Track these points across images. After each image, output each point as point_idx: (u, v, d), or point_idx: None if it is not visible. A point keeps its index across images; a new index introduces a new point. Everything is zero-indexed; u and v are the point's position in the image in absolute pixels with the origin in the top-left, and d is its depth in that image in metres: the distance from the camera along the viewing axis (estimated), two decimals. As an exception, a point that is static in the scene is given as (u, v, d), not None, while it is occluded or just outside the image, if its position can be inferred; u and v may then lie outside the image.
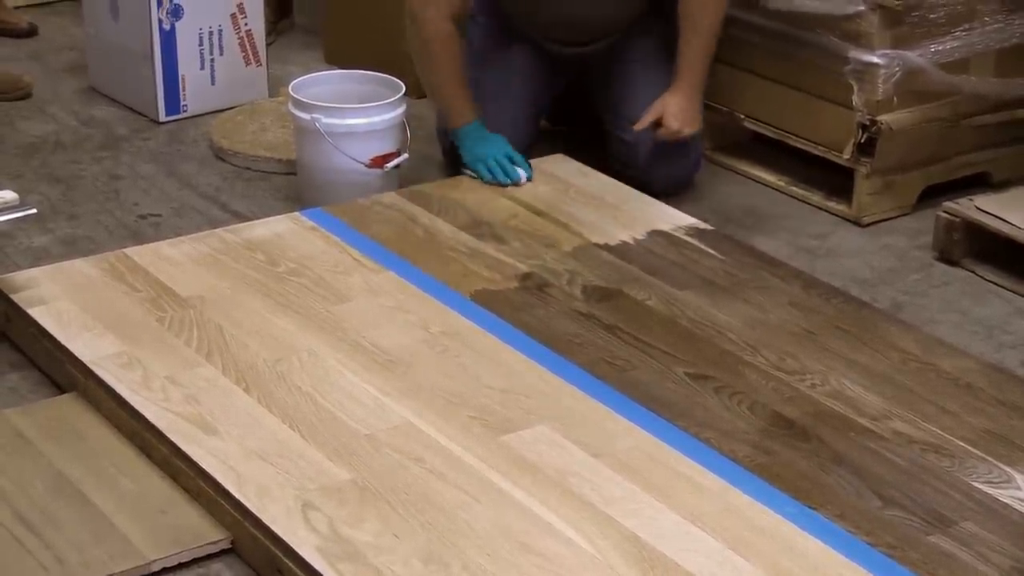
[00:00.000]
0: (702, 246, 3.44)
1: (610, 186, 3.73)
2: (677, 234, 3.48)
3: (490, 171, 3.69)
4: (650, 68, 3.88)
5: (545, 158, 3.81)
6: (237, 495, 2.51)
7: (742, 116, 4.06)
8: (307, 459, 2.61)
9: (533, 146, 3.78)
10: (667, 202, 3.69)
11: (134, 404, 2.75)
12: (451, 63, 3.72)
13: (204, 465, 2.59)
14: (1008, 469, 2.68)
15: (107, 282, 3.17)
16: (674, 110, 3.73)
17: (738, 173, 4.08)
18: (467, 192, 3.64)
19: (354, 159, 3.73)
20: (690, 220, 3.58)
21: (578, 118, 4.17)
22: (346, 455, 2.62)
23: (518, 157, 3.73)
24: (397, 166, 3.82)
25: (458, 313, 3.10)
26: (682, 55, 3.77)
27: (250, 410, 2.75)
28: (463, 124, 3.76)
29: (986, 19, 3.81)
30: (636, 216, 3.56)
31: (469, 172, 3.74)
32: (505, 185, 3.67)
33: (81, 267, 3.24)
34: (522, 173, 3.71)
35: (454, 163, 3.92)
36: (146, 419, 2.71)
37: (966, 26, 3.79)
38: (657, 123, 3.73)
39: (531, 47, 3.85)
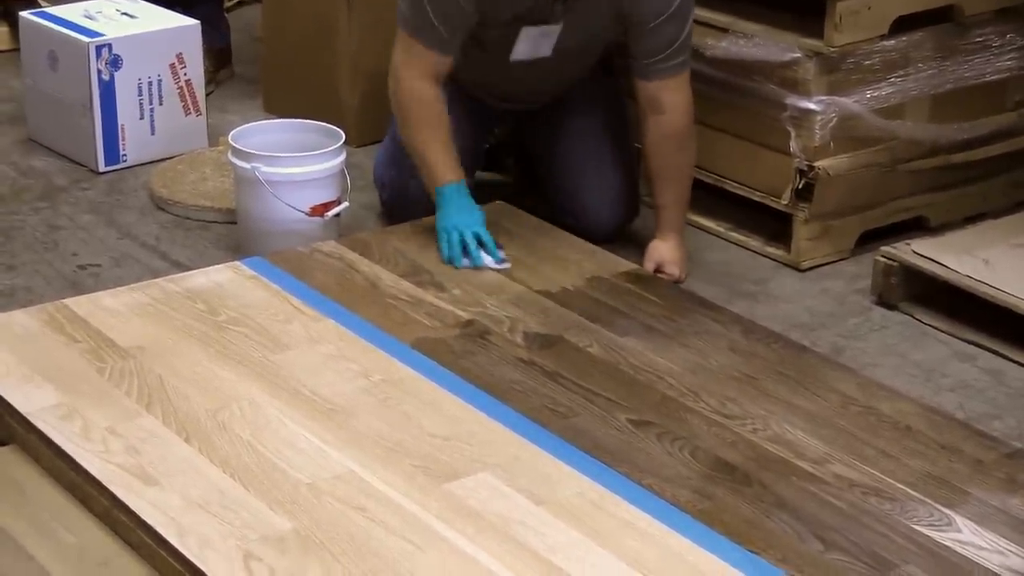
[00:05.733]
0: (642, 292, 3.45)
1: (550, 233, 3.74)
2: (617, 280, 3.49)
3: (448, 247, 3.50)
4: (597, 111, 3.91)
5: (484, 206, 3.82)
6: (178, 546, 2.49)
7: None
8: (248, 509, 2.60)
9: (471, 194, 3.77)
10: (607, 248, 3.70)
11: (74, 456, 2.73)
12: (431, 124, 3.59)
13: (145, 516, 2.56)
14: (948, 511, 2.69)
15: (46, 333, 3.15)
16: (669, 258, 3.72)
17: (677, 219, 4.10)
18: (407, 240, 3.64)
19: (294, 208, 3.73)
20: (630, 266, 3.60)
21: (511, 165, 4.18)
22: (288, 504, 2.61)
23: (488, 240, 3.51)
24: (337, 214, 3.82)
25: (399, 361, 3.09)
26: (661, 206, 3.77)
27: (191, 460, 2.73)
28: (441, 184, 3.57)
29: (920, 65, 3.85)
30: (576, 263, 3.57)
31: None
32: (457, 268, 3.47)
33: (20, 318, 3.21)
34: (487, 259, 3.48)
35: (392, 212, 3.92)
36: (86, 471, 2.69)
37: (901, 72, 3.83)
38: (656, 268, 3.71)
39: (469, 99, 3.84)
